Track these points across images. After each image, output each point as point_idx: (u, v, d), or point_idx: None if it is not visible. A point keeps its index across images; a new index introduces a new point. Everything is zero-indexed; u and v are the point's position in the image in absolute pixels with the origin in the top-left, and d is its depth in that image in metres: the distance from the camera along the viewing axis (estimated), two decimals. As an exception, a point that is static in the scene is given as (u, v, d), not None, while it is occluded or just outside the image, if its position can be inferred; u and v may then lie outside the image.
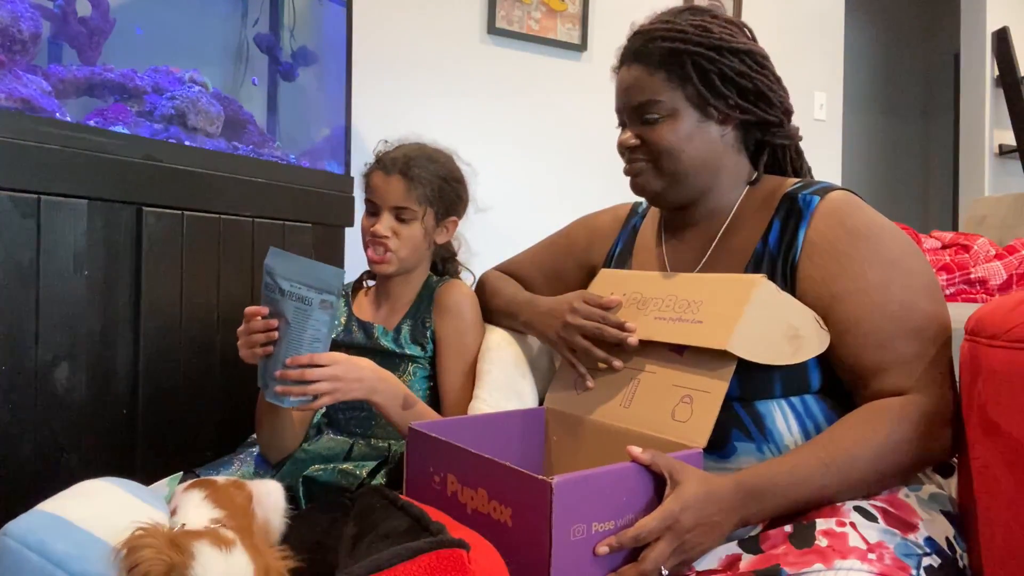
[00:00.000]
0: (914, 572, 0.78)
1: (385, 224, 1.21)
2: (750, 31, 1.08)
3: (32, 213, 1.10)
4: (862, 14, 4.71)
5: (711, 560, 0.82)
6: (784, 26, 3.14)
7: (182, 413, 1.33)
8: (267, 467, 1.22)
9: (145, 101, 1.39)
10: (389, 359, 1.22)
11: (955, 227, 4.20)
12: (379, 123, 1.81)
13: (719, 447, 0.94)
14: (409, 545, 0.72)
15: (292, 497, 1.08)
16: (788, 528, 0.83)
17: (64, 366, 1.15)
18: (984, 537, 0.81)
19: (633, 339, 1.01)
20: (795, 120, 1.11)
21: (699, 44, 1.01)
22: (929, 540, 0.82)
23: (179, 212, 1.32)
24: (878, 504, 0.85)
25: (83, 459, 1.17)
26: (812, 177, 1.13)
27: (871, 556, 0.77)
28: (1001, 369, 0.76)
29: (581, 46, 2.69)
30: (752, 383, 0.93)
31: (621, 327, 1.03)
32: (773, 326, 0.92)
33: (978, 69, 3.69)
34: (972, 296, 1.80)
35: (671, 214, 1.15)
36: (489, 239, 1.42)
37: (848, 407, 0.92)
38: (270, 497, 0.97)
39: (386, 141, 1.30)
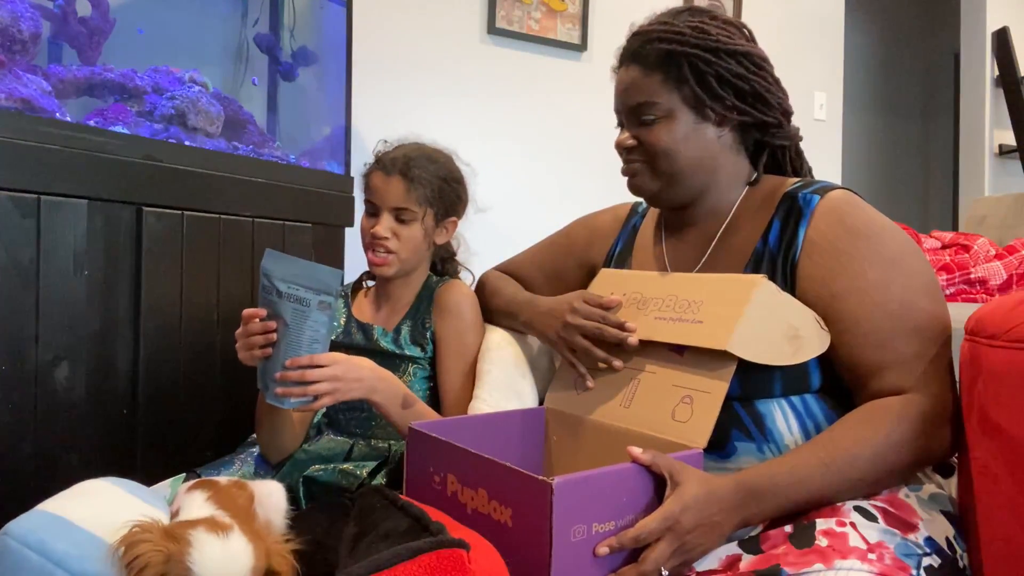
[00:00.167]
0: (914, 572, 0.78)
1: (385, 225, 1.21)
2: (749, 32, 1.08)
3: (32, 213, 1.10)
4: (862, 14, 4.71)
5: (711, 560, 0.82)
6: (784, 26, 3.14)
7: (182, 413, 1.33)
8: (267, 467, 1.22)
9: (145, 101, 1.39)
10: (389, 360, 1.22)
11: (955, 227, 4.20)
12: (379, 123, 1.81)
13: (719, 447, 0.94)
14: (409, 545, 0.72)
15: (292, 497, 1.08)
16: (788, 528, 0.83)
17: (64, 366, 1.15)
18: (984, 537, 0.81)
19: (633, 339, 1.01)
20: (795, 120, 1.11)
21: (696, 46, 1.01)
22: (929, 540, 0.82)
23: (179, 212, 1.32)
24: (878, 504, 0.86)
25: (83, 459, 1.17)
26: (813, 177, 1.14)
27: (871, 556, 0.77)
28: (1001, 369, 0.76)
29: (581, 46, 2.69)
30: (752, 382, 0.93)
31: (621, 327, 1.03)
32: (773, 326, 0.92)
33: (978, 69, 3.69)
34: (972, 296, 1.80)
35: (670, 214, 1.15)
36: (489, 239, 1.42)
37: (848, 407, 0.92)
38: (271, 498, 0.97)
39: (386, 141, 1.29)
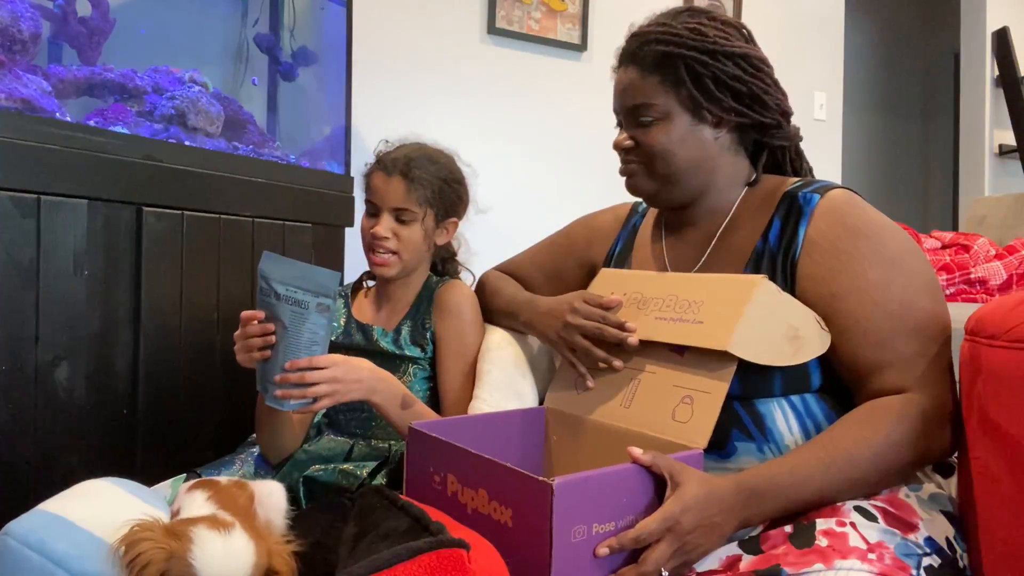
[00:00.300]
0: (914, 572, 0.78)
1: (385, 225, 1.21)
2: (748, 33, 1.08)
3: (32, 213, 1.10)
4: (862, 14, 4.71)
5: (711, 561, 0.82)
6: (784, 26, 3.14)
7: (182, 413, 1.33)
8: (267, 467, 1.22)
9: (145, 101, 1.39)
10: (389, 361, 1.22)
11: (955, 227, 4.20)
12: (379, 123, 1.81)
13: (719, 447, 0.94)
14: (409, 545, 0.72)
15: (292, 497, 1.08)
16: (788, 528, 0.83)
17: (64, 366, 1.15)
18: (984, 537, 0.81)
19: (633, 339, 1.01)
20: (795, 120, 1.11)
21: (693, 48, 1.01)
22: (929, 540, 0.82)
23: (179, 212, 1.32)
24: (878, 504, 0.86)
25: (83, 459, 1.17)
26: (813, 177, 1.14)
27: (871, 556, 0.77)
28: (1001, 369, 0.76)
29: (581, 46, 2.69)
30: (752, 382, 0.93)
31: (621, 327, 1.03)
32: (774, 327, 0.92)
33: (978, 69, 3.69)
34: (972, 296, 1.80)
35: (670, 213, 1.16)
36: (489, 239, 1.42)
37: (848, 406, 0.92)
38: (271, 497, 0.97)
39: (387, 141, 1.29)
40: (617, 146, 1.10)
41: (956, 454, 0.91)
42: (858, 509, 0.84)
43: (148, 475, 1.14)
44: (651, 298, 1.05)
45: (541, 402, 1.21)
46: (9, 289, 1.08)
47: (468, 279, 1.37)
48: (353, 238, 1.44)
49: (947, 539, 0.85)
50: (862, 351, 0.92)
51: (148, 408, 1.27)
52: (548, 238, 1.37)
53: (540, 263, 1.34)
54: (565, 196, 2.63)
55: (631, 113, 1.07)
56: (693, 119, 1.04)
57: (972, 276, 1.80)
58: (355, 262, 1.45)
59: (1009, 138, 3.53)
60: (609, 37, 2.65)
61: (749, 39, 1.08)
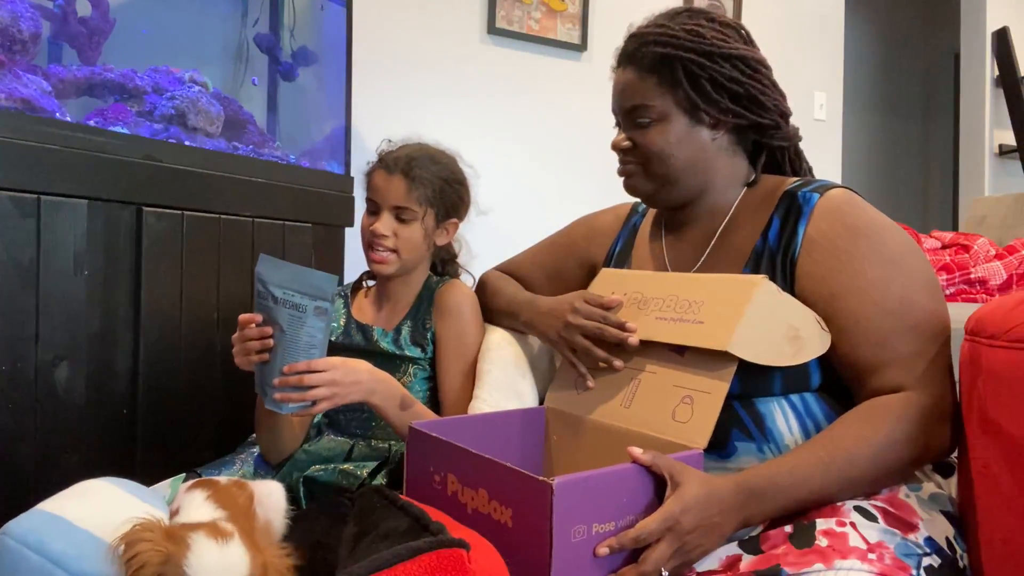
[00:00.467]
0: (914, 572, 0.78)
1: (385, 223, 1.21)
2: (746, 34, 1.08)
3: (32, 213, 1.10)
4: (862, 14, 4.71)
5: (711, 561, 0.82)
6: (784, 26, 3.14)
7: (182, 413, 1.33)
8: (267, 467, 1.22)
9: (145, 101, 1.39)
10: (389, 361, 1.22)
11: (955, 227, 4.20)
12: (379, 123, 1.81)
13: (719, 447, 0.94)
14: (409, 545, 0.72)
15: (293, 497, 1.08)
16: (788, 528, 0.83)
17: (64, 366, 1.15)
18: (984, 537, 0.81)
19: (634, 339, 1.01)
20: (795, 120, 1.11)
21: (691, 50, 1.01)
22: (929, 540, 0.83)
23: (179, 212, 1.32)
24: (878, 504, 0.86)
25: (83, 459, 1.17)
26: (813, 177, 1.14)
27: (871, 556, 0.77)
28: (1001, 369, 0.76)
29: (581, 46, 2.69)
30: (752, 381, 0.93)
31: (622, 327, 1.03)
32: (774, 327, 0.92)
33: (978, 69, 3.69)
34: (972, 296, 1.80)
35: (669, 213, 1.16)
36: (489, 239, 1.42)
37: (848, 405, 0.92)
38: (271, 497, 0.97)
39: (389, 141, 1.29)
40: (615, 147, 1.10)
41: (956, 454, 0.91)
42: (858, 509, 0.84)
43: (148, 475, 1.14)
44: (651, 298, 1.05)
45: (541, 402, 1.21)
46: (9, 289, 1.08)
47: (468, 282, 1.37)
48: (353, 238, 1.44)
49: (947, 539, 0.85)
50: (861, 350, 0.92)
51: (148, 408, 1.27)
52: (548, 238, 1.37)
53: (540, 263, 1.34)
54: (565, 196, 2.63)
55: (629, 114, 1.07)
56: (690, 120, 1.04)
57: (972, 276, 1.80)
58: (355, 262, 1.45)
59: (1009, 138, 3.53)
60: (609, 37, 2.65)
61: (748, 40, 1.08)
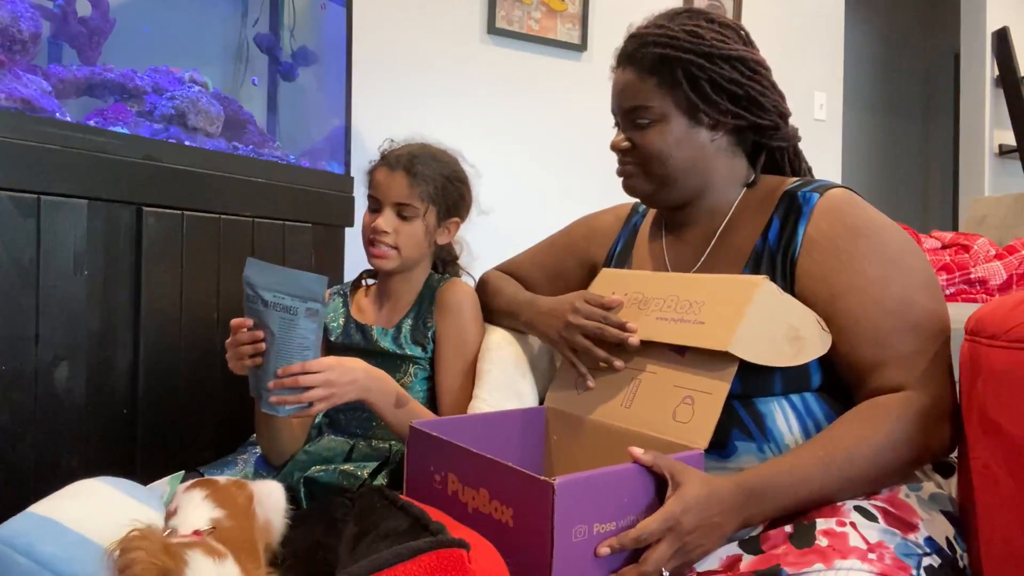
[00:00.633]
0: (914, 572, 0.78)
1: (387, 220, 1.21)
2: (746, 34, 1.08)
3: (32, 213, 1.10)
4: (862, 14, 4.71)
5: (712, 561, 0.82)
6: (784, 26, 3.14)
7: (182, 413, 1.33)
8: (268, 468, 1.22)
9: (145, 101, 1.39)
10: (389, 360, 1.22)
11: (955, 227, 4.20)
12: (379, 123, 1.81)
13: (720, 447, 0.94)
14: (409, 544, 0.72)
15: (293, 498, 1.07)
16: (788, 528, 0.83)
17: (64, 366, 1.15)
18: (984, 537, 0.81)
19: (634, 339, 1.01)
20: (795, 120, 1.11)
21: (690, 51, 1.01)
22: (929, 540, 0.83)
23: (179, 212, 1.32)
24: (878, 504, 0.86)
25: (83, 459, 1.17)
26: (812, 177, 1.14)
27: (871, 556, 0.77)
28: (1001, 369, 0.76)
29: (581, 46, 2.69)
30: (752, 381, 0.93)
31: (622, 327, 1.03)
32: (775, 327, 0.92)
33: (978, 69, 3.69)
34: (972, 296, 1.80)
35: (669, 213, 1.16)
36: (489, 239, 1.42)
37: (848, 405, 0.92)
38: (271, 497, 0.97)
39: (392, 140, 1.30)
40: (614, 147, 1.10)
41: (956, 454, 0.91)
42: (858, 509, 0.84)
43: (148, 475, 1.14)
44: (652, 298, 1.05)
45: (541, 402, 1.21)
46: (9, 289, 1.08)
47: (469, 283, 1.37)
48: (353, 238, 1.44)
49: (947, 539, 0.85)
50: (861, 349, 0.92)
51: (148, 408, 1.27)
52: (548, 238, 1.37)
53: (541, 263, 1.34)
54: (565, 196, 2.63)
55: (628, 115, 1.07)
56: (690, 121, 1.04)
57: (972, 276, 1.80)
58: (355, 262, 1.45)
59: (1009, 138, 3.53)
60: (609, 37, 2.65)
61: (747, 41, 1.08)
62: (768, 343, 0.91)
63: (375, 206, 1.24)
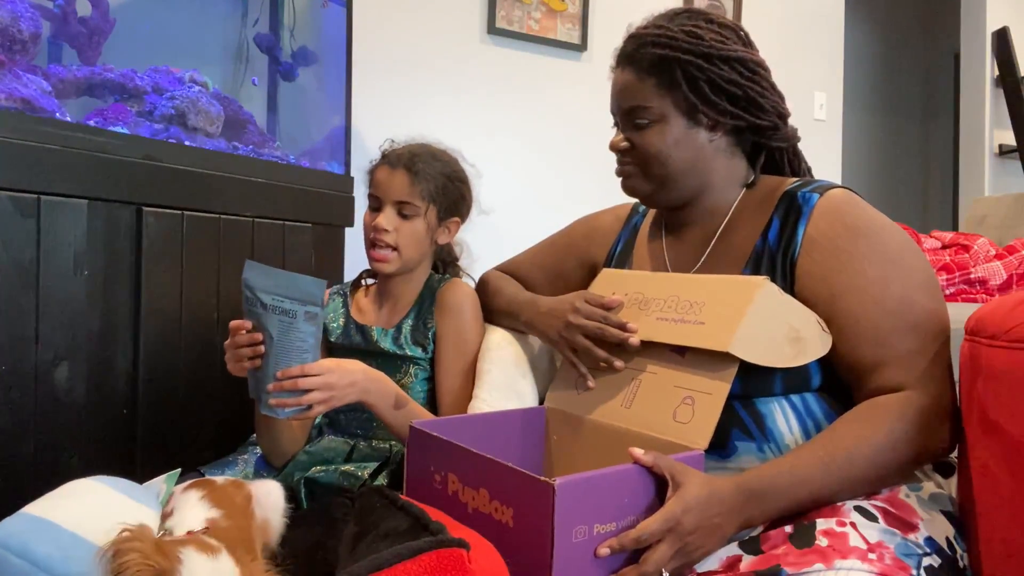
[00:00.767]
0: (914, 572, 0.78)
1: (388, 218, 1.21)
2: (745, 35, 1.08)
3: (32, 213, 1.10)
4: (862, 14, 4.71)
5: (712, 561, 0.82)
6: (784, 26, 3.14)
7: (182, 413, 1.33)
8: (269, 469, 1.22)
9: (145, 101, 1.39)
10: (390, 361, 1.22)
11: (955, 227, 4.20)
12: (379, 123, 1.81)
13: (720, 447, 0.94)
14: (410, 544, 0.72)
15: (293, 498, 1.07)
16: (788, 528, 0.83)
17: (64, 366, 1.15)
18: (984, 537, 0.81)
19: (634, 340, 1.01)
20: (795, 120, 1.11)
21: (689, 52, 1.01)
22: (929, 540, 0.83)
23: (179, 212, 1.32)
24: (878, 504, 0.86)
25: (83, 459, 1.17)
26: (812, 177, 1.14)
27: (871, 556, 0.77)
28: (1001, 369, 0.76)
29: (581, 46, 2.69)
30: (752, 381, 0.93)
31: (623, 327, 1.03)
32: (775, 328, 0.92)
33: (978, 69, 3.69)
34: (972, 296, 1.80)
35: (669, 213, 1.16)
36: (488, 238, 1.42)
37: (848, 405, 0.92)
38: (269, 497, 0.97)
39: (393, 141, 1.30)
40: (613, 147, 1.10)
41: (956, 454, 0.91)
42: (858, 509, 0.84)
43: (148, 475, 1.13)
44: (652, 299, 1.05)
45: (541, 402, 1.21)
46: (9, 289, 1.08)
47: (469, 284, 1.37)
48: (353, 238, 1.44)
49: (947, 539, 0.85)
50: (861, 349, 0.92)
51: (148, 408, 1.27)
52: (549, 238, 1.37)
53: (541, 263, 1.34)
54: (565, 196, 2.63)
55: (627, 115, 1.07)
56: (689, 122, 1.04)
57: (972, 276, 1.80)
58: (355, 262, 1.45)
59: (1009, 138, 3.53)
60: (609, 37, 2.65)
61: (746, 42, 1.08)
62: (768, 344, 0.91)
63: (376, 205, 1.24)
